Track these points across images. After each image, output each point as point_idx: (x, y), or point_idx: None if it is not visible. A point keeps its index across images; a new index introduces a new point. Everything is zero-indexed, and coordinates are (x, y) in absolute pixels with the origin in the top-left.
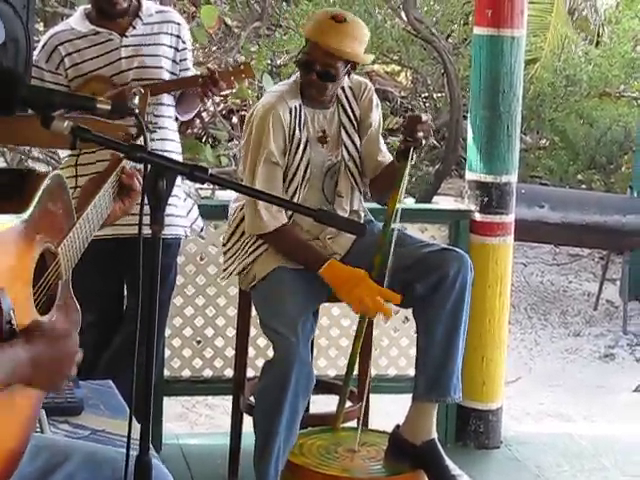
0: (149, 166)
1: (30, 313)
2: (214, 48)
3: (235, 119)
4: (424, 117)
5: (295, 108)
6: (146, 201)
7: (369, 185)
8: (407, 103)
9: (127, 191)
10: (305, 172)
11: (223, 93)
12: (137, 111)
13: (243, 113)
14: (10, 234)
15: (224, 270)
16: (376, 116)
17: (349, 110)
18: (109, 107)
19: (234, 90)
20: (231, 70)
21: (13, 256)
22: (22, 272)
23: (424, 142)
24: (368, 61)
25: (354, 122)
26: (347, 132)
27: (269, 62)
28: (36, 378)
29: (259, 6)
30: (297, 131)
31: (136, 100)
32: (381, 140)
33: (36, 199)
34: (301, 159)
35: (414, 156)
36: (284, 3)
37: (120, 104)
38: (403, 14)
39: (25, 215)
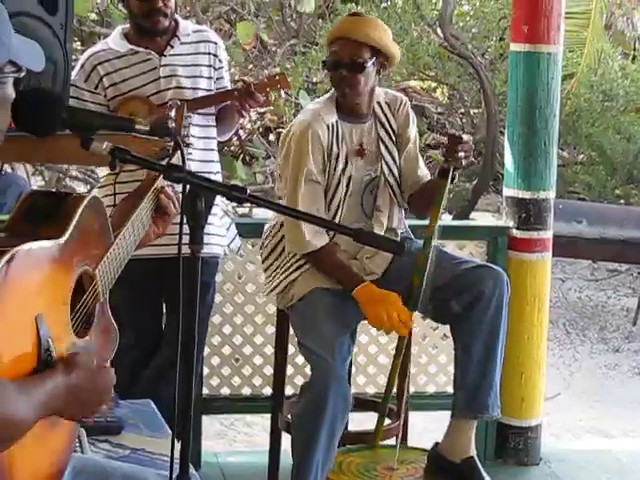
0: (187, 186)
1: (68, 337)
2: (250, 65)
3: (272, 136)
4: (465, 137)
5: (332, 124)
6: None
7: (408, 200)
8: (444, 119)
9: (162, 214)
10: (347, 187)
11: (260, 109)
12: (173, 125)
13: (280, 130)
14: (48, 259)
15: (265, 287)
16: (413, 131)
17: (386, 124)
18: (147, 128)
19: (271, 107)
20: (266, 81)
21: (51, 281)
22: (60, 296)
23: (464, 162)
24: (394, 50)
25: (392, 136)
26: (386, 146)
27: (305, 79)
28: (69, 409)
29: (295, 23)
30: (335, 147)
31: (172, 113)
32: (419, 155)
33: (74, 222)
34: (342, 175)
35: (454, 176)
36: (319, 20)
37: (158, 126)
38: (439, 30)
39: (63, 239)
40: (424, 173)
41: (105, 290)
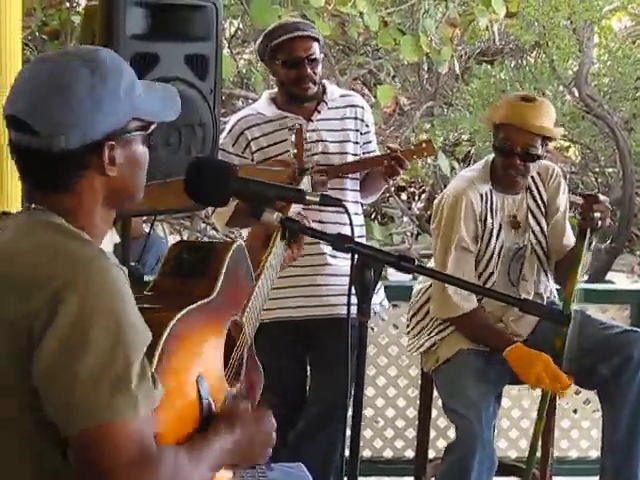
0: (356, 256)
1: (223, 389)
2: (391, 129)
3: (404, 196)
4: (601, 197)
5: (486, 194)
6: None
7: (554, 267)
8: (577, 179)
9: (295, 238)
10: (499, 257)
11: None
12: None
13: (413, 190)
14: (203, 318)
15: (409, 346)
16: (563, 200)
17: (537, 194)
18: (318, 199)
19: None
20: (413, 148)
21: (207, 338)
22: (215, 351)
23: (601, 223)
24: (559, 135)
25: (541, 206)
26: (534, 216)
27: (443, 140)
28: (237, 461)
29: (431, 85)
30: (489, 217)
31: (292, 138)
32: (567, 224)
33: (221, 277)
34: (495, 244)
35: (592, 237)
36: (456, 80)
37: (327, 196)
38: (574, 90)
39: (213, 295)
40: (570, 241)
41: (252, 333)
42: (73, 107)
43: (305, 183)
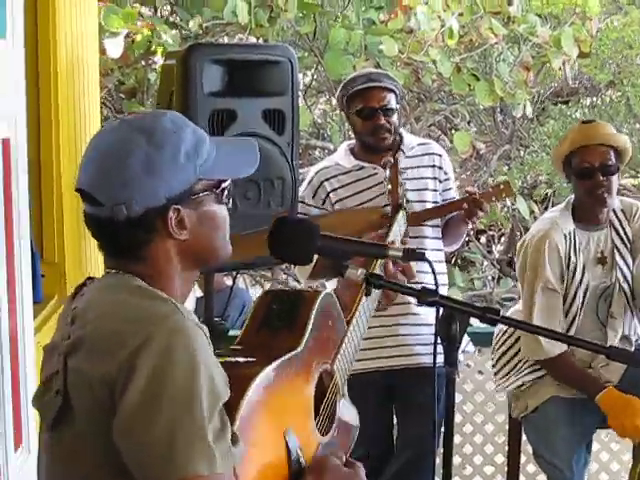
0: (441, 309)
1: (314, 440)
2: (467, 173)
3: (483, 239)
4: None
5: (570, 233)
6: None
7: None
8: None
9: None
10: (584, 297)
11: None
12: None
13: (492, 233)
14: (291, 371)
15: (497, 385)
16: None
17: (621, 232)
18: (400, 254)
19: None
20: (491, 190)
21: (295, 391)
22: (304, 402)
23: None
24: (628, 144)
25: (627, 243)
26: (620, 254)
27: (521, 183)
28: None
29: (507, 128)
30: (573, 257)
31: (387, 172)
32: None
33: (310, 326)
34: (580, 284)
35: None
36: (531, 123)
37: (410, 251)
38: None
39: (301, 346)
40: None
41: (343, 382)
42: (129, 177)
43: (400, 219)
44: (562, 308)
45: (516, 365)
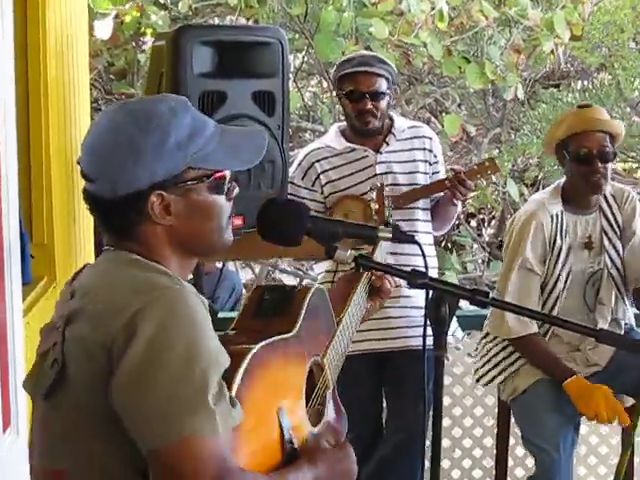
0: (430, 292)
1: (305, 427)
2: (458, 156)
3: (474, 223)
4: None
5: (557, 215)
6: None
7: (633, 293)
8: None
9: (378, 291)
10: (566, 280)
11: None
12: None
13: (482, 217)
14: (284, 353)
15: (483, 376)
16: (639, 224)
17: (611, 217)
18: (390, 235)
19: (477, 193)
20: (476, 168)
21: (288, 374)
22: (296, 389)
23: None
24: (623, 130)
25: (616, 230)
26: (609, 239)
27: (511, 166)
28: None
29: (497, 111)
30: (558, 239)
31: (373, 195)
32: None
33: (302, 316)
34: (562, 267)
35: None
36: (522, 107)
37: (399, 232)
38: None
39: (293, 332)
40: None
41: (334, 377)
42: (112, 158)
43: (383, 244)
44: (538, 290)
45: (505, 355)
